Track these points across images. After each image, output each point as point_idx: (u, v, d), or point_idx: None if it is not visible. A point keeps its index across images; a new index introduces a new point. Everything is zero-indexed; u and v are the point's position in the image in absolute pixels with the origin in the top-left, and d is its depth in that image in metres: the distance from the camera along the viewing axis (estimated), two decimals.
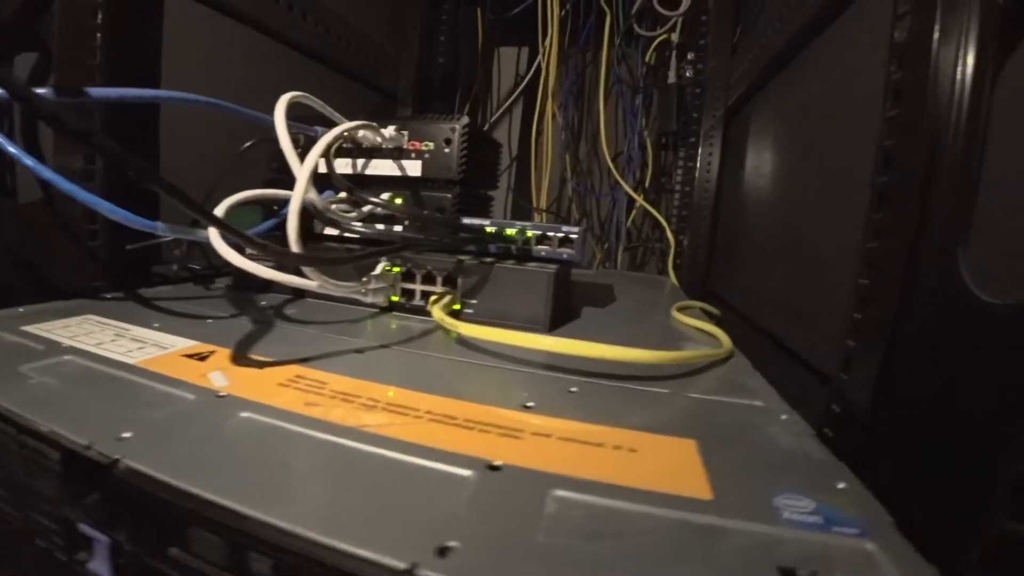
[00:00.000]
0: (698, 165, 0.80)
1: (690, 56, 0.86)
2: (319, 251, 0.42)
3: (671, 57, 0.87)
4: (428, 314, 0.37)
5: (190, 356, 0.28)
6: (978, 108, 0.27)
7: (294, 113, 0.38)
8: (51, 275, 0.40)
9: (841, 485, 0.19)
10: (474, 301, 0.38)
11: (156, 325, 0.33)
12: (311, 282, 0.31)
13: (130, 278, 0.44)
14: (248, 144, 0.43)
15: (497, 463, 0.19)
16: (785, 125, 0.59)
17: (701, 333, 0.42)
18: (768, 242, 0.60)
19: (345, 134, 0.39)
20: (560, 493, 0.17)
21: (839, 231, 0.42)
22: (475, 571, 0.13)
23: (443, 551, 0.14)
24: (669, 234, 0.84)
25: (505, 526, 0.15)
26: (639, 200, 0.90)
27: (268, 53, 0.62)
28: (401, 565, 0.13)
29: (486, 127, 1.00)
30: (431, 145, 0.41)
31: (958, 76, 0.28)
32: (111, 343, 0.29)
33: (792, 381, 0.36)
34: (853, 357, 0.32)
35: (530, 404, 0.24)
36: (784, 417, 0.25)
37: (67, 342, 0.29)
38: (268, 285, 0.43)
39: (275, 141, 0.34)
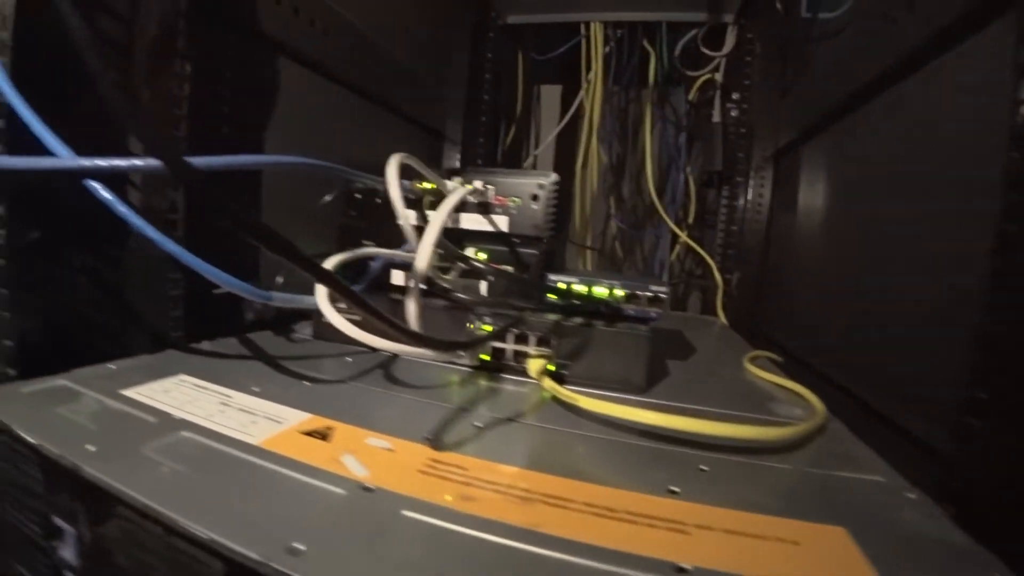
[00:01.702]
0: (747, 205, 0.80)
1: (735, 96, 0.86)
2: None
3: (715, 97, 0.88)
4: (518, 372, 0.38)
5: (310, 434, 0.27)
6: None
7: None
8: (133, 324, 0.39)
9: None
10: (569, 362, 0.37)
11: (255, 389, 0.32)
12: (421, 351, 0.30)
13: (212, 325, 0.43)
14: (329, 197, 0.42)
15: (685, 566, 0.18)
16: (850, 174, 0.58)
17: (783, 390, 0.42)
18: (833, 291, 0.59)
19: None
20: None
21: (919, 293, 0.41)
22: None
23: None
24: (716, 273, 0.83)
25: None
26: (683, 237, 0.89)
27: (326, 97, 0.62)
28: None
29: (526, 163, 1.00)
30: (518, 200, 0.41)
31: None
32: (220, 416, 0.28)
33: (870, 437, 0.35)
34: (975, 436, 0.31)
35: (675, 489, 0.24)
36: (911, 496, 0.25)
37: (176, 413, 0.28)
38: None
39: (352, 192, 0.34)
